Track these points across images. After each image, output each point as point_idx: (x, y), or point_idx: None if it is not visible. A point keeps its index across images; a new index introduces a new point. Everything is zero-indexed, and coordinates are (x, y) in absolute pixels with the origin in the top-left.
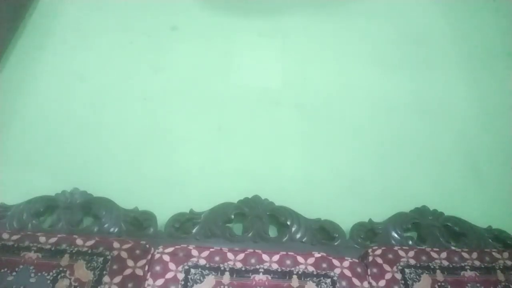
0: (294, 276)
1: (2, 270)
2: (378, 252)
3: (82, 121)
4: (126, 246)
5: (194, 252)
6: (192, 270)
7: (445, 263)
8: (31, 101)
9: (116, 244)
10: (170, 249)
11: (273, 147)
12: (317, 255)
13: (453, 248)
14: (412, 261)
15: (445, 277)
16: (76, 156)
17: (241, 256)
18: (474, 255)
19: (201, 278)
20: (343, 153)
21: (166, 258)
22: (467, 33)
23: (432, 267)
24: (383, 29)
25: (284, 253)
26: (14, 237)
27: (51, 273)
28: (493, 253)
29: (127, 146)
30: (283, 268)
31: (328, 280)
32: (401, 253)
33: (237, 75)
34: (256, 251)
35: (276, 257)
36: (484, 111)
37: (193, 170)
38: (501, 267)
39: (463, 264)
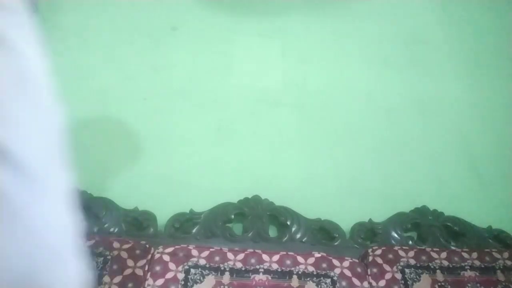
0: (294, 276)
1: None
2: (378, 252)
3: (82, 121)
4: (126, 246)
5: (194, 252)
6: (192, 270)
7: (445, 263)
8: None
9: (116, 244)
10: (170, 249)
11: (273, 147)
12: (317, 255)
13: (453, 248)
14: (412, 261)
15: (445, 277)
16: (76, 156)
17: (241, 256)
18: (474, 255)
19: (201, 278)
20: (343, 153)
21: (166, 258)
22: (466, 33)
23: (432, 267)
24: (383, 29)
25: (284, 253)
26: None
27: None
28: (493, 253)
29: (127, 146)
30: (283, 268)
31: (328, 280)
32: (401, 253)
33: (237, 75)
34: (256, 251)
35: (276, 257)
36: (484, 110)
37: (193, 170)
38: (501, 267)
39: (463, 264)
